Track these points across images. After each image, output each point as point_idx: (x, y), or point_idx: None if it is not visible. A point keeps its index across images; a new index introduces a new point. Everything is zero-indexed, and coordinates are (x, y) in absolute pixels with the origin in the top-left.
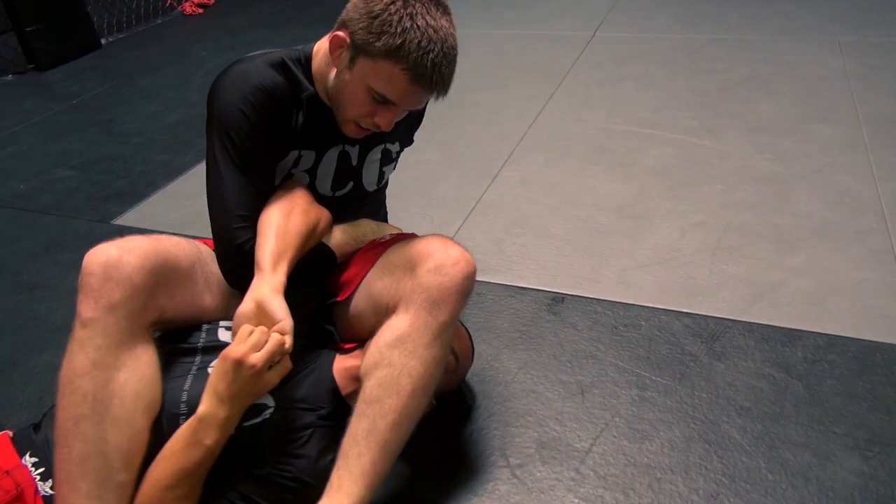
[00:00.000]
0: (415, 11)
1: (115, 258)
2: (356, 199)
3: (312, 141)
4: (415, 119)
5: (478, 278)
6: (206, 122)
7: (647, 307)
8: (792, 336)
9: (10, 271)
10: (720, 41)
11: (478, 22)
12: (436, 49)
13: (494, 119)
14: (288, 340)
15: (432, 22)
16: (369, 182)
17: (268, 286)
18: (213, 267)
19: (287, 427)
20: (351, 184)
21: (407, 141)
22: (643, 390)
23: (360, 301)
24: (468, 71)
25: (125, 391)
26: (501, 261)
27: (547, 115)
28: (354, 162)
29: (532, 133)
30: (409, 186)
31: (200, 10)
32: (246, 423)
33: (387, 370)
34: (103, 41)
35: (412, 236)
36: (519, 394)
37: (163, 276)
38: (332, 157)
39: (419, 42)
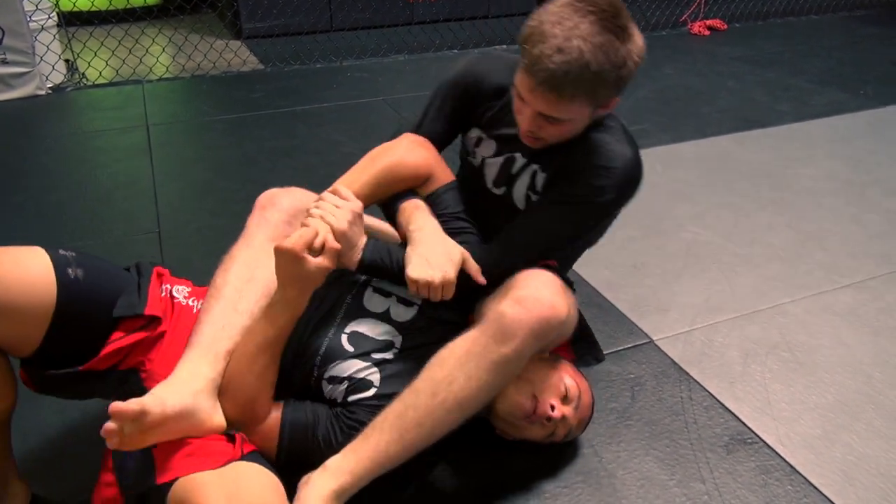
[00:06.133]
0: (561, 22)
1: (274, 194)
2: (507, 207)
3: (497, 132)
4: (557, 182)
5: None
6: None
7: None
8: None
9: None
10: None
11: None
12: (559, 55)
13: None
14: (321, 230)
15: (574, 30)
16: (518, 197)
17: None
18: None
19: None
20: (504, 188)
21: (543, 188)
22: None
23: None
24: None
25: (256, 280)
26: (729, 370)
27: None
28: (514, 170)
29: None
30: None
31: (707, 33)
32: (350, 398)
33: (437, 371)
34: None
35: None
36: (616, 486)
37: (301, 212)
38: (504, 154)
39: (545, 43)
